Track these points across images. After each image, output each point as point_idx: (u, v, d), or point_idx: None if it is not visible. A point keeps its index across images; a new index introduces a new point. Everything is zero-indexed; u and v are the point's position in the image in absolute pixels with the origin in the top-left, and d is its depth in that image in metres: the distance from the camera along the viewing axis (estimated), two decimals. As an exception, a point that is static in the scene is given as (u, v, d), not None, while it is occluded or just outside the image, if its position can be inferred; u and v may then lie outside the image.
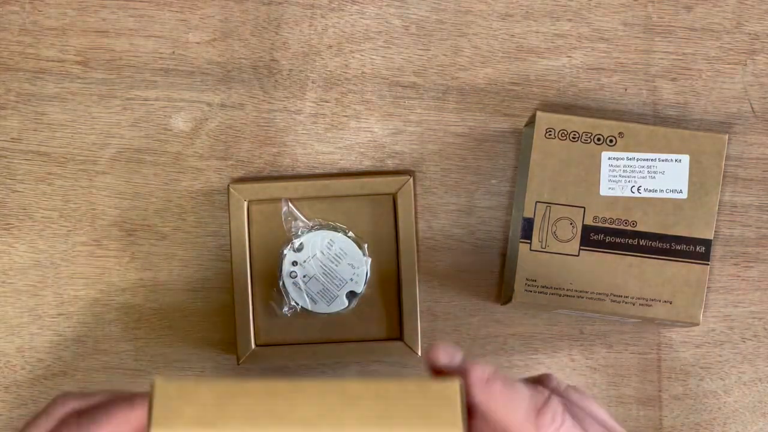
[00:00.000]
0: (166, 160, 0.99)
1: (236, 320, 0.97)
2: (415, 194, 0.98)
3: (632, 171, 0.94)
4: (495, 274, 0.99)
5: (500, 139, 0.99)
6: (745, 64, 0.98)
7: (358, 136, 0.99)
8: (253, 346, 0.98)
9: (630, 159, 0.94)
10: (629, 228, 0.94)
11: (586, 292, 0.94)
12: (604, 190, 0.94)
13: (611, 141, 0.94)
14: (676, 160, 0.94)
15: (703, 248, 0.94)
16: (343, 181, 0.97)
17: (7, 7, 0.98)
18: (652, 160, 0.94)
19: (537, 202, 0.93)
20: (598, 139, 0.94)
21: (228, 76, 0.99)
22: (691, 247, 0.94)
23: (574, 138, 0.93)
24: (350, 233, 0.98)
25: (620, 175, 0.94)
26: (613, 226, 0.94)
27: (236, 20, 0.98)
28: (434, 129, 0.99)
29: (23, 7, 0.98)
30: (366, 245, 0.98)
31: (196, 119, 0.99)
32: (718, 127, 0.98)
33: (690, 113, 0.99)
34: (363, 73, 0.99)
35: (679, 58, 0.98)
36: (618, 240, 0.94)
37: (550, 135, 0.93)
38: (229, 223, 0.97)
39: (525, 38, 0.98)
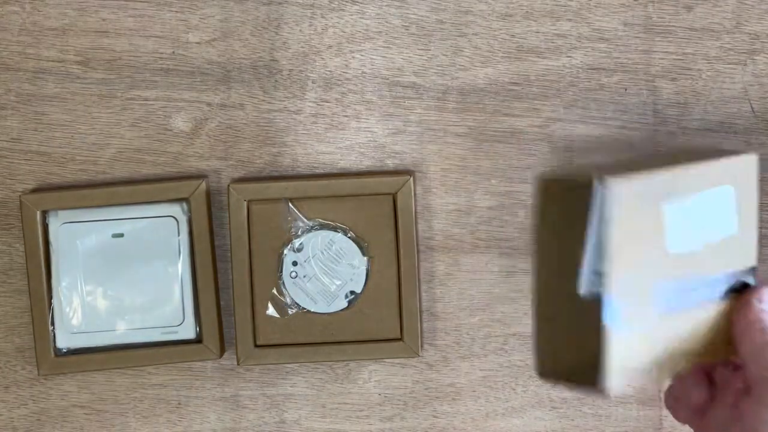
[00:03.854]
0: (166, 160, 0.99)
1: (236, 320, 0.97)
2: (415, 194, 0.98)
3: (693, 217, 0.83)
4: (495, 274, 0.99)
5: (500, 139, 0.99)
6: (745, 64, 0.98)
7: (358, 136, 0.99)
8: (253, 346, 0.98)
9: (690, 205, 0.83)
10: (698, 276, 0.83)
11: (672, 356, 0.83)
12: (672, 245, 0.82)
13: (668, 192, 0.82)
14: (723, 194, 0.84)
15: (751, 276, 0.86)
16: (343, 181, 0.97)
17: (7, 7, 0.98)
18: (705, 199, 0.83)
19: (615, 273, 0.79)
20: (659, 193, 0.82)
21: (228, 76, 0.98)
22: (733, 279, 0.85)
23: (642, 197, 0.81)
24: (350, 233, 0.98)
25: (683, 226, 0.82)
26: (685, 280, 0.83)
27: (236, 20, 0.98)
28: (434, 129, 0.99)
29: (23, 7, 0.98)
30: (366, 245, 0.98)
31: (196, 119, 0.99)
32: (718, 127, 0.98)
33: (690, 113, 0.99)
34: (363, 73, 0.98)
35: (679, 58, 0.98)
36: (692, 294, 0.83)
37: (628, 200, 0.80)
38: (229, 223, 0.97)
39: (525, 38, 0.98)
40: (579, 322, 0.82)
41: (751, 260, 0.87)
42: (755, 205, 0.87)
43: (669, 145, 0.98)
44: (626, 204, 0.81)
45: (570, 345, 0.82)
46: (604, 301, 0.79)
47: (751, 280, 0.87)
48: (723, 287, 0.86)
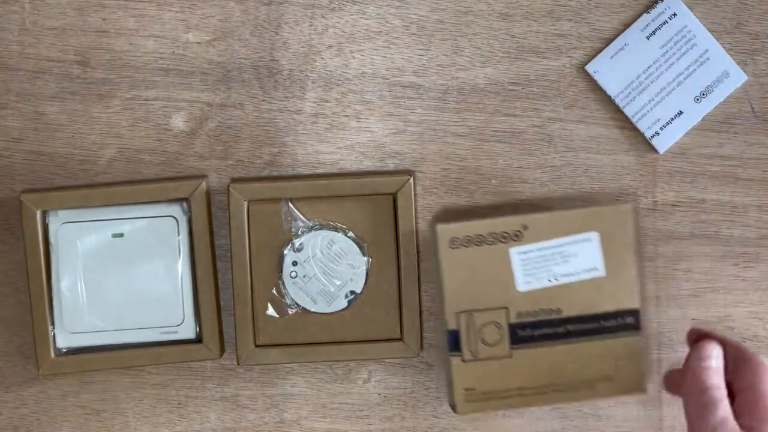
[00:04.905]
0: (166, 160, 0.99)
1: (236, 320, 0.97)
2: (415, 194, 0.98)
3: (545, 260, 0.93)
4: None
5: (500, 139, 0.99)
6: (745, 64, 0.98)
7: (358, 136, 0.99)
8: (253, 346, 0.98)
9: (540, 249, 0.94)
10: (555, 316, 0.94)
11: (527, 388, 0.94)
12: (522, 285, 0.94)
13: (516, 236, 0.94)
14: (585, 240, 0.93)
15: (632, 318, 0.94)
16: (343, 181, 0.97)
17: (7, 7, 0.98)
18: (561, 245, 0.93)
19: (457, 312, 0.94)
20: (504, 237, 0.94)
21: (228, 76, 0.98)
22: (620, 320, 0.94)
23: (479, 242, 0.94)
24: (350, 233, 0.98)
25: (534, 268, 0.93)
26: (539, 318, 0.94)
27: (236, 20, 0.98)
28: (434, 129, 0.99)
29: (23, 7, 0.98)
30: (366, 245, 0.98)
31: (196, 119, 0.99)
32: (718, 127, 0.98)
33: (690, 113, 0.99)
34: (363, 73, 0.98)
35: (679, 58, 0.98)
36: (547, 331, 0.94)
37: (455, 245, 0.94)
38: (229, 223, 0.97)
39: (525, 38, 0.98)
40: (444, 354, 0.96)
41: (629, 303, 0.93)
42: (632, 252, 0.93)
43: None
44: (456, 247, 0.93)
45: (448, 376, 0.96)
46: (449, 335, 0.94)
47: (632, 322, 0.93)
48: (605, 325, 0.93)
